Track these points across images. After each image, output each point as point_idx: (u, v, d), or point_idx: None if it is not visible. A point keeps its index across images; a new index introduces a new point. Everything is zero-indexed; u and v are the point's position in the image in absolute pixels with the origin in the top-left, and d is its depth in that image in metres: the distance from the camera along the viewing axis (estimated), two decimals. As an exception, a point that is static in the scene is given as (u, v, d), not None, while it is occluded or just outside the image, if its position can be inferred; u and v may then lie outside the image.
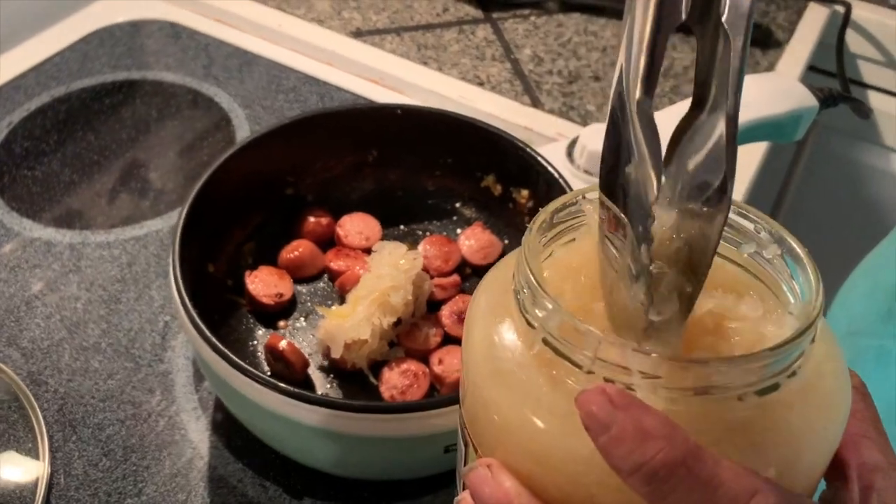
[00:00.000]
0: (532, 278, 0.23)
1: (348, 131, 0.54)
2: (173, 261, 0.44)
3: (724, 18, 0.23)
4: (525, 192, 0.53)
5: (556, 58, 0.77)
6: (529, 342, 0.24)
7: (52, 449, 0.47)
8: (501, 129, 0.53)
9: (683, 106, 0.53)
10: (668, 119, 0.55)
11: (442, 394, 0.47)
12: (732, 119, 0.23)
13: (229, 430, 0.49)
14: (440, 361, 0.48)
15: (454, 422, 0.39)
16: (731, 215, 0.26)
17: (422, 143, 0.55)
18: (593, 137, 0.50)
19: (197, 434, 0.49)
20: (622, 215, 0.23)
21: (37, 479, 0.46)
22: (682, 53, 0.78)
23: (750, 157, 0.67)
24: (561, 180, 0.49)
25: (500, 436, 0.24)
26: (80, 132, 0.68)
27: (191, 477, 0.47)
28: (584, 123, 0.70)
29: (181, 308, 0.42)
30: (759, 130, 0.53)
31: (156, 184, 0.64)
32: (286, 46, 0.78)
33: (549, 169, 0.50)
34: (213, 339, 0.40)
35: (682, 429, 0.20)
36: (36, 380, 0.51)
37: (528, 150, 0.51)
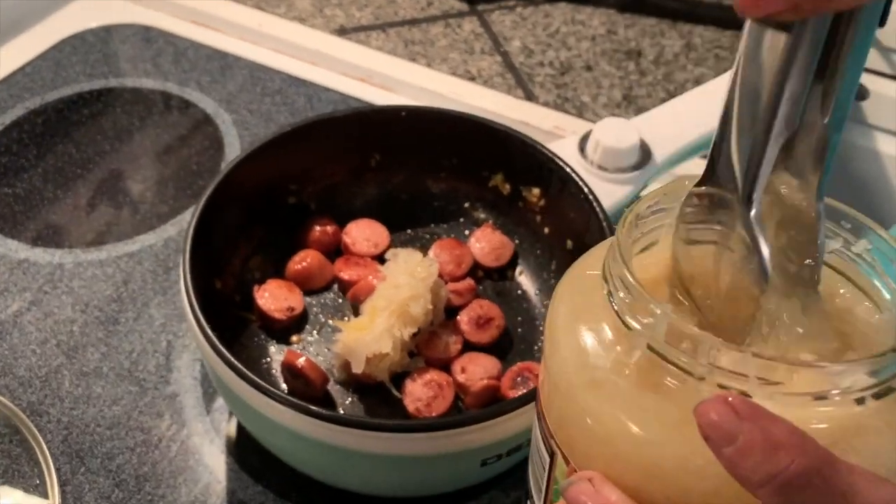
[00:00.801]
0: (633, 281, 0.22)
1: (350, 136, 0.53)
2: (184, 277, 0.41)
3: None
4: (536, 191, 0.52)
5: (545, 49, 0.76)
6: (627, 348, 0.23)
7: (60, 483, 0.45)
8: (508, 126, 0.52)
9: (666, 109, 0.53)
10: (649, 124, 0.54)
11: (467, 403, 0.46)
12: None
13: (245, 451, 0.47)
14: (463, 370, 0.47)
15: (493, 435, 0.38)
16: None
17: (426, 144, 0.54)
18: (607, 132, 0.49)
19: (212, 458, 0.47)
20: (728, 194, 0.23)
21: (47, 517, 0.43)
22: (670, 40, 0.78)
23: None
24: (575, 176, 0.48)
25: (602, 447, 0.23)
26: (59, 145, 0.65)
27: (210, 503, 0.45)
28: (581, 115, 0.70)
29: (197, 329, 0.40)
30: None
31: (144, 196, 0.62)
32: (268, 47, 0.75)
33: (562, 165, 0.49)
34: (238, 364, 0.38)
35: (811, 437, 0.20)
36: (36, 410, 0.48)
37: (538, 147, 0.50)
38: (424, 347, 0.48)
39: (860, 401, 0.21)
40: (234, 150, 0.65)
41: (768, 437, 0.19)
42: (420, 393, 0.45)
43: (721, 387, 0.21)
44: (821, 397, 0.21)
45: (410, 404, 0.45)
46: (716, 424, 0.20)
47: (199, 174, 0.63)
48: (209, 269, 0.46)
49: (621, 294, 0.23)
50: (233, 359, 0.38)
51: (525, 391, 0.42)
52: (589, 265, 0.26)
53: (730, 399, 0.20)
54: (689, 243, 0.25)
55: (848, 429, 0.21)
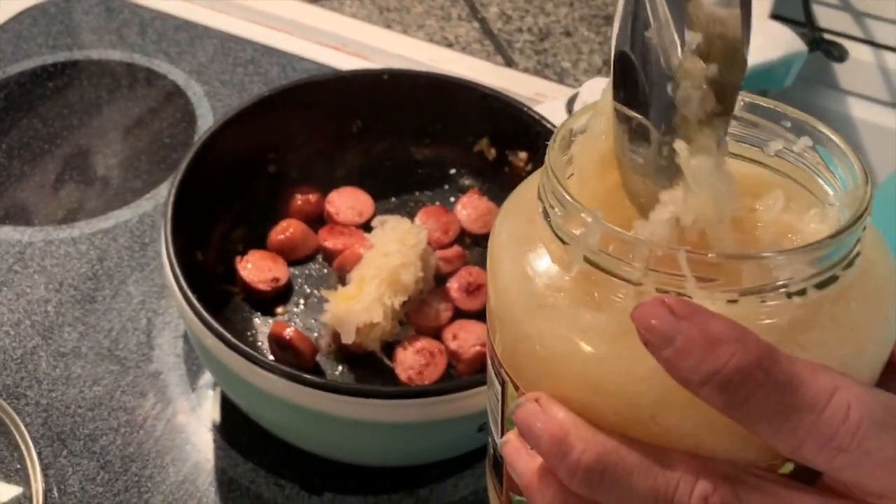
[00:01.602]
0: (564, 193, 0.22)
1: (330, 102, 0.51)
2: (166, 249, 0.40)
3: None
4: (523, 155, 0.51)
5: (524, 15, 0.75)
6: (566, 264, 0.22)
7: (42, 467, 0.43)
8: (492, 89, 0.51)
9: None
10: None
11: (459, 370, 0.45)
12: None
13: (233, 428, 0.46)
14: (454, 337, 0.46)
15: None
16: (749, 113, 0.25)
17: (409, 109, 0.52)
18: (596, 92, 0.48)
19: (199, 436, 0.46)
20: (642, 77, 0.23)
21: (30, 501, 0.42)
22: (648, 5, 0.77)
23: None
24: (563, 139, 0.47)
25: (547, 368, 0.23)
26: (24, 120, 0.62)
27: (199, 482, 0.44)
28: (562, 81, 0.69)
29: (182, 300, 0.39)
30: (753, 77, 0.52)
31: (116, 171, 0.60)
32: (238, 16, 0.73)
33: (550, 128, 0.48)
34: (227, 334, 0.37)
35: (751, 331, 0.19)
36: (13, 393, 0.46)
37: (525, 109, 0.49)
38: (415, 316, 0.47)
39: (802, 292, 0.20)
40: (206, 121, 0.63)
41: (706, 334, 0.19)
42: (412, 361, 0.44)
43: (660, 291, 0.20)
44: (760, 291, 0.20)
45: (402, 373, 0.44)
46: (653, 328, 0.19)
47: (173, 147, 0.61)
48: (190, 241, 0.45)
49: (556, 209, 0.22)
50: (221, 329, 0.37)
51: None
52: (525, 190, 0.26)
53: (666, 300, 0.19)
54: (622, 156, 0.25)
55: (793, 324, 0.21)
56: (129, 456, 0.45)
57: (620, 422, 0.21)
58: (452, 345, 0.45)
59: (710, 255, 0.20)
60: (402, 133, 0.53)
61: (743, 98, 0.25)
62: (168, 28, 0.71)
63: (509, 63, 0.70)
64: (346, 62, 0.69)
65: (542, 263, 0.23)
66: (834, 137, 0.23)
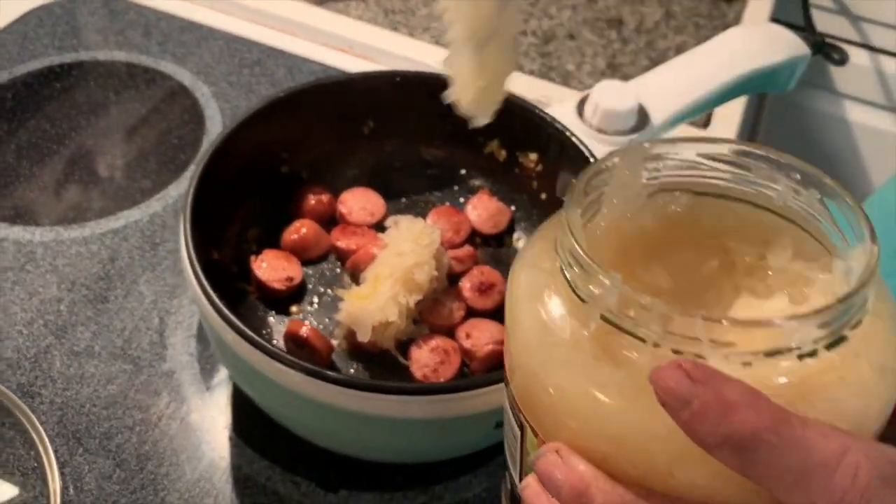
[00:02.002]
0: (582, 254, 0.22)
1: (342, 103, 0.51)
2: (186, 247, 0.40)
3: None
4: (533, 156, 0.52)
5: (528, 18, 0.76)
6: (583, 320, 0.23)
7: (59, 465, 0.43)
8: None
9: (661, 72, 0.53)
10: (645, 87, 0.54)
11: (473, 368, 0.46)
12: None
13: (248, 426, 0.46)
14: (468, 336, 0.46)
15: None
16: (760, 162, 0.26)
17: (419, 110, 0.53)
18: (606, 94, 0.49)
19: (214, 434, 0.46)
20: None
21: (48, 499, 0.42)
22: (650, 8, 0.78)
23: (734, 110, 0.67)
24: (574, 139, 0.48)
25: (567, 420, 0.23)
26: (32, 120, 0.62)
27: (215, 480, 0.44)
28: (566, 84, 0.69)
29: (203, 297, 0.39)
30: (756, 81, 0.53)
31: (126, 171, 0.60)
32: (244, 18, 0.73)
33: (562, 129, 0.49)
34: (248, 331, 0.37)
35: (764, 395, 0.20)
36: (28, 391, 0.47)
37: (536, 111, 0.50)
38: (428, 314, 0.47)
39: (812, 353, 0.21)
40: (215, 122, 0.63)
41: (721, 398, 0.20)
42: (427, 359, 0.45)
43: (676, 352, 0.21)
44: (774, 353, 0.21)
45: (418, 371, 0.45)
46: (671, 390, 0.20)
47: (181, 148, 0.61)
48: (206, 240, 0.45)
49: (573, 267, 0.23)
50: (241, 325, 0.37)
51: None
52: (542, 238, 0.26)
53: (682, 364, 0.20)
54: (643, 209, 0.26)
55: (804, 384, 0.21)
56: (145, 454, 0.45)
57: (638, 474, 0.22)
58: (466, 343, 0.46)
59: (724, 322, 0.21)
60: (413, 134, 0.54)
61: (754, 149, 0.26)
62: (173, 29, 0.71)
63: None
64: (352, 64, 0.70)
65: (561, 315, 0.24)
66: (841, 193, 0.24)
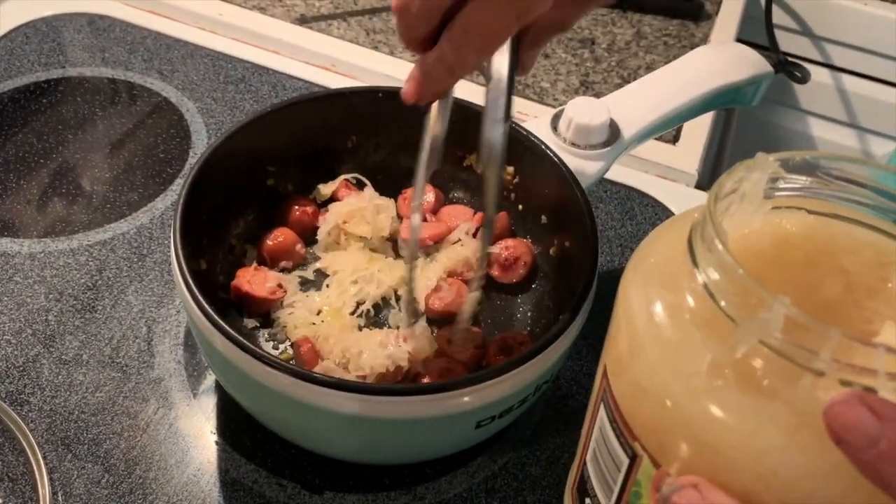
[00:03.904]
0: (740, 272, 0.20)
1: (327, 117, 0.53)
2: (176, 256, 0.42)
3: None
4: (510, 169, 0.54)
5: (504, 38, 0.78)
6: (729, 343, 0.21)
7: (48, 470, 0.44)
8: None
9: (631, 89, 0.55)
10: (617, 103, 0.56)
11: (456, 372, 0.47)
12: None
13: (235, 431, 0.47)
14: (450, 342, 0.48)
15: (489, 397, 0.40)
16: (880, 185, 0.24)
17: (401, 125, 0.54)
18: (579, 110, 0.51)
19: (201, 439, 0.47)
20: None
21: (38, 504, 0.43)
22: (622, 29, 0.81)
23: (702, 126, 0.70)
24: (549, 153, 0.50)
25: (708, 454, 0.22)
26: (18, 135, 0.63)
27: (203, 484, 0.45)
28: (542, 101, 0.72)
29: (192, 303, 0.40)
30: (722, 98, 0.56)
31: (113, 185, 0.61)
32: (229, 36, 0.75)
33: (537, 143, 0.51)
34: (236, 335, 0.38)
35: None
36: (17, 399, 0.47)
37: (513, 125, 0.52)
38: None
39: None
40: (201, 137, 0.65)
41: None
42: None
43: (844, 383, 0.20)
44: None
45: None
46: (853, 427, 0.18)
47: (168, 162, 0.63)
48: (195, 249, 0.46)
49: (720, 281, 0.21)
50: (229, 328, 0.39)
51: (511, 358, 0.44)
52: (657, 251, 0.25)
53: (865, 399, 0.19)
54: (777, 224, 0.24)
55: None
56: (133, 459, 0.46)
57: None
58: (449, 349, 0.48)
59: None
60: (395, 148, 0.56)
61: (878, 168, 0.24)
62: (159, 46, 0.73)
63: (492, 83, 0.73)
64: (335, 81, 0.72)
65: (699, 340, 0.22)
66: None
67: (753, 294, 0.21)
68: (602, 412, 0.26)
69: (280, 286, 0.49)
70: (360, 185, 0.55)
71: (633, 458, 0.24)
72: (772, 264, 0.25)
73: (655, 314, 0.23)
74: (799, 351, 0.20)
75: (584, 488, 0.28)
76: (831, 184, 0.25)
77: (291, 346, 0.48)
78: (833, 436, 0.19)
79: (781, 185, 0.25)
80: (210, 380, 0.50)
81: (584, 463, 0.28)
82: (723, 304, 0.21)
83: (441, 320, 0.50)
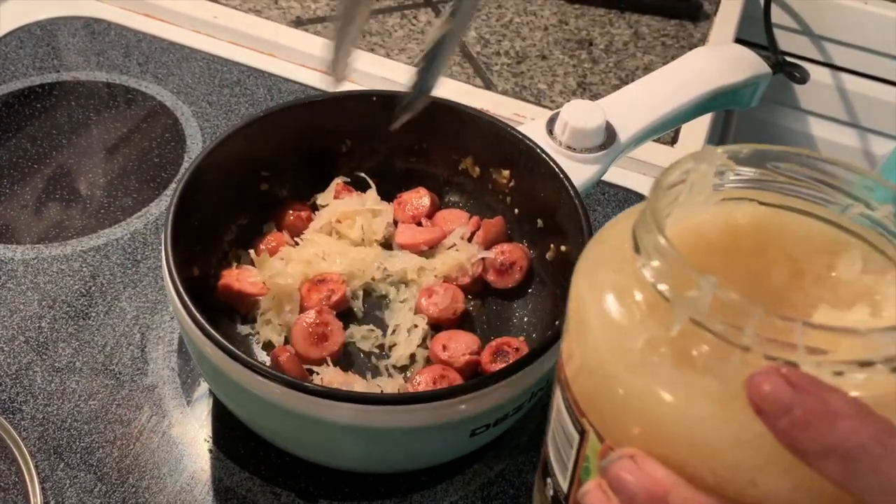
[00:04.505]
0: (673, 252, 0.22)
1: (321, 122, 0.53)
2: (167, 263, 0.41)
3: None
4: (506, 172, 0.53)
5: (501, 39, 0.78)
6: (666, 321, 0.22)
7: (40, 479, 0.44)
8: (477, 109, 0.53)
9: (628, 91, 0.55)
10: (614, 106, 0.56)
11: (450, 378, 0.47)
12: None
13: (229, 439, 0.47)
14: (444, 348, 0.47)
15: (483, 405, 0.39)
16: (829, 177, 0.25)
17: (397, 129, 0.54)
18: (575, 113, 0.50)
19: (195, 447, 0.47)
20: None
21: (29, 514, 0.42)
22: (619, 29, 0.80)
23: (700, 128, 0.70)
24: (546, 156, 0.50)
25: (643, 425, 0.23)
26: (13, 140, 0.63)
27: (196, 492, 0.45)
28: (538, 103, 0.71)
29: (183, 311, 0.40)
30: (720, 99, 0.55)
31: (107, 190, 0.60)
32: (224, 38, 0.75)
33: (533, 146, 0.50)
34: (228, 345, 0.38)
35: (868, 406, 0.20)
36: (9, 407, 0.47)
37: (508, 129, 0.51)
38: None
39: None
40: (196, 141, 0.64)
41: (826, 407, 0.19)
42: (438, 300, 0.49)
43: (768, 357, 0.21)
44: (867, 364, 0.21)
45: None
46: (769, 397, 0.19)
47: (162, 167, 0.62)
48: (187, 255, 0.46)
49: (657, 265, 0.22)
50: (220, 338, 0.38)
51: (505, 365, 0.43)
52: (610, 237, 0.26)
53: (782, 370, 0.20)
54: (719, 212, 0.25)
55: (893, 396, 0.21)
56: (126, 468, 0.45)
57: (716, 482, 0.22)
58: (443, 355, 0.47)
59: (826, 329, 0.20)
60: (390, 152, 0.55)
61: (826, 162, 0.25)
62: (154, 50, 0.72)
63: (488, 85, 0.72)
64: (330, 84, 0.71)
65: (638, 317, 0.23)
66: None
67: (685, 275, 0.22)
68: (558, 392, 0.27)
69: (265, 283, 0.49)
70: (362, 188, 0.55)
71: (582, 433, 0.25)
72: (722, 253, 0.26)
73: (602, 296, 0.24)
74: (727, 328, 0.21)
75: (546, 469, 0.29)
76: (781, 176, 0.26)
77: (269, 355, 0.48)
78: (753, 406, 0.20)
79: (731, 176, 0.26)
80: (204, 387, 0.49)
81: (546, 444, 0.29)
82: (659, 286, 0.22)
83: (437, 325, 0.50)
